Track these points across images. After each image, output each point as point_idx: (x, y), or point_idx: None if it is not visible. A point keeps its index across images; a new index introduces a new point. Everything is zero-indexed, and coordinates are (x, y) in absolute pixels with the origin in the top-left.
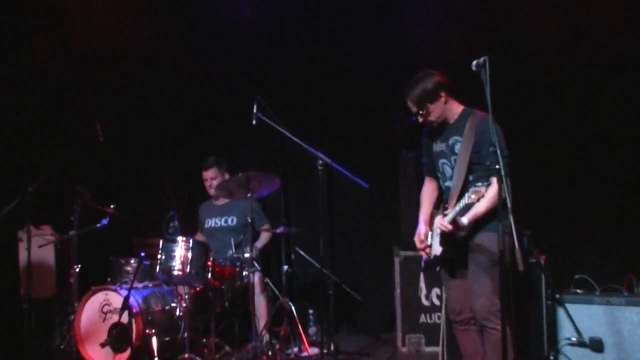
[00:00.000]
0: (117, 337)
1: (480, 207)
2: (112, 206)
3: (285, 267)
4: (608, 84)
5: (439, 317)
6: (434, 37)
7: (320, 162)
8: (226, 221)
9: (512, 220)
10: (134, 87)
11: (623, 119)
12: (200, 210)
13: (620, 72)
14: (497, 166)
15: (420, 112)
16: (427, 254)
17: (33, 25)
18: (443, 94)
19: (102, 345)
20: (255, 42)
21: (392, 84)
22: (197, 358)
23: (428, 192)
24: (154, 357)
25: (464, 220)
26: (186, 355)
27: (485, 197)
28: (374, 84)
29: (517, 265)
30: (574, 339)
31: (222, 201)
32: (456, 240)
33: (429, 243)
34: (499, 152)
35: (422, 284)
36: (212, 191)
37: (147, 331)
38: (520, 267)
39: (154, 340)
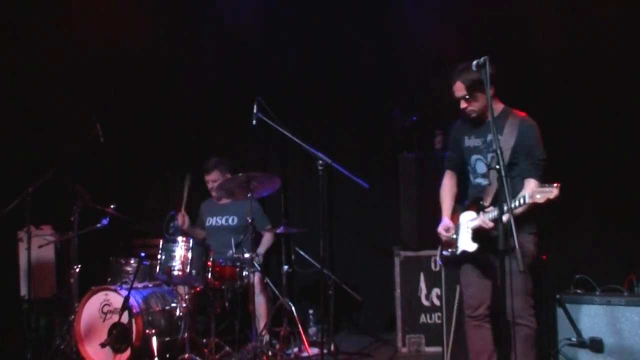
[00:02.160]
0: (117, 337)
1: (518, 209)
2: (112, 206)
3: (286, 267)
4: (608, 83)
5: (439, 317)
6: (434, 37)
7: (320, 162)
8: (227, 220)
9: (512, 221)
10: (134, 87)
11: (624, 119)
12: (201, 208)
13: (621, 71)
14: (497, 166)
15: (467, 97)
16: (450, 248)
17: (33, 25)
18: (493, 87)
19: (102, 345)
20: (255, 42)
21: (392, 85)
22: (197, 358)
23: (449, 187)
24: (154, 357)
25: (504, 218)
26: (186, 356)
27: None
28: (374, 84)
29: (518, 265)
30: (574, 339)
31: (224, 200)
32: (490, 237)
33: (453, 237)
34: (499, 152)
35: (422, 284)
36: (214, 193)
37: (147, 331)
38: (521, 267)
39: (154, 340)
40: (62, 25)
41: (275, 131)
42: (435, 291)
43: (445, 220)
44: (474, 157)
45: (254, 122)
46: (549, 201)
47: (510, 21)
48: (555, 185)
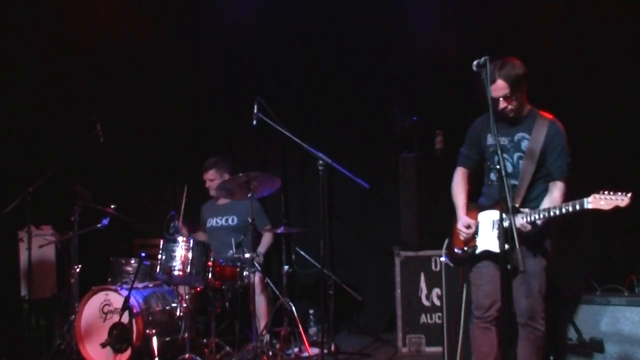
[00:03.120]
0: (118, 337)
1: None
2: (112, 206)
3: (286, 267)
4: (608, 82)
5: (439, 317)
6: (434, 37)
7: (320, 162)
8: (227, 220)
9: (513, 221)
10: (134, 87)
11: (623, 118)
12: (202, 210)
13: (620, 71)
14: (497, 166)
15: (509, 95)
16: (467, 246)
17: (33, 25)
18: (526, 86)
19: (103, 345)
20: (255, 42)
21: (392, 84)
22: (198, 358)
23: (463, 185)
24: (155, 357)
25: (539, 222)
26: (187, 356)
27: (555, 201)
28: (374, 84)
29: (518, 265)
30: (574, 339)
31: (223, 201)
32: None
33: (474, 235)
34: (499, 151)
35: (423, 284)
36: (212, 192)
37: (148, 331)
38: (521, 267)
39: (155, 340)
40: (62, 25)
41: (275, 131)
42: (436, 291)
43: (465, 218)
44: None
45: (254, 122)
46: (616, 209)
47: (510, 21)
48: (627, 194)
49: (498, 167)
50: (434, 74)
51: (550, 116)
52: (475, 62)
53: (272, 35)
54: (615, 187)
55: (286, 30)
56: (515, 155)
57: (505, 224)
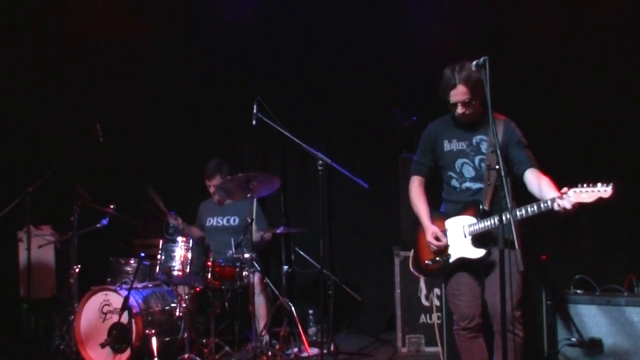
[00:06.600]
0: (117, 337)
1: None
2: (112, 206)
3: (285, 267)
4: (608, 83)
5: (439, 317)
6: (434, 37)
7: (320, 162)
8: (228, 221)
9: (512, 220)
10: (134, 87)
11: (623, 119)
12: (200, 209)
13: (620, 71)
14: (497, 166)
15: (469, 101)
16: (440, 257)
17: (32, 25)
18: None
19: (102, 345)
20: (255, 42)
21: (392, 84)
22: (197, 358)
23: (422, 194)
24: (154, 357)
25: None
26: (186, 356)
27: (550, 184)
28: (374, 84)
29: (518, 265)
30: (574, 339)
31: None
32: (491, 242)
33: (447, 244)
34: (498, 152)
35: (422, 284)
36: (216, 198)
37: (147, 331)
38: (521, 267)
39: (154, 340)
40: (61, 25)
41: (275, 131)
42: (435, 291)
43: (434, 228)
44: (460, 160)
45: (254, 122)
46: (600, 200)
47: (510, 21)
48: (608, 184)
49: (497, 167)
50: (434, 74)
51: (502, 116)
52: (474, 63)
53: (272, 35)
54: (616, 187)
55: (286, 29)
56: (477, 159)
57: (484, 224)
